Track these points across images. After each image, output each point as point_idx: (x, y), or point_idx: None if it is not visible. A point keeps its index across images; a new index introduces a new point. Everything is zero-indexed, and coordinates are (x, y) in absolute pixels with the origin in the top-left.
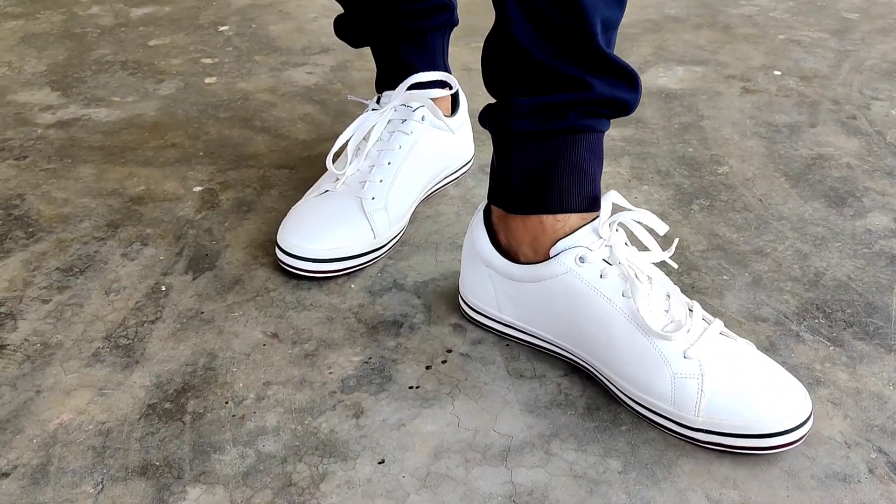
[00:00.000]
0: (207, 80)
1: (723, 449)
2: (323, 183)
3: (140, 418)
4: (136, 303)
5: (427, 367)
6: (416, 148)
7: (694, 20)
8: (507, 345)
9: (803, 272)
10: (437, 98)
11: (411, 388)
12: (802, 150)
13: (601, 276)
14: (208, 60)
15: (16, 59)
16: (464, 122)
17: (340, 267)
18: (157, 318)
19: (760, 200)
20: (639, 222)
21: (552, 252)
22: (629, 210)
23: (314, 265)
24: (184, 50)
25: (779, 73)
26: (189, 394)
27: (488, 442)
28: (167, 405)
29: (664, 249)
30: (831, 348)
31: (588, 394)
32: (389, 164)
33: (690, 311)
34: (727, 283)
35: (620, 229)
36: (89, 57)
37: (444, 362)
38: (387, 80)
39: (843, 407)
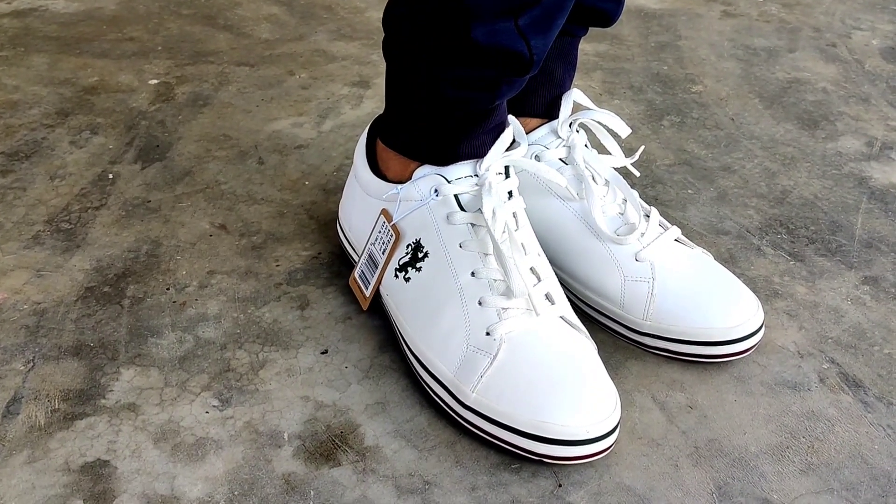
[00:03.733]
0: None
1: (669, 355)
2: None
3: (77, 300)
4: (82, 189)
5: None
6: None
7: None
8: None
9: (770, 189)
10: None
11: None
12: (779, 73)
13: None
14: None
15: None
16: None
17: None
18: (101, 205)
19: (732, 119)
20: (600, 123)
21: None
22: (591, 110)
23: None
24: None
25: None
26: (129, 279)
27: None
28: (106, 289)
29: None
30: (791, 263)
31: None
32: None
33: (647, 216)
34: (691, 197)
35: (581, 131)
36: None
37: None
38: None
39: (799, 319)
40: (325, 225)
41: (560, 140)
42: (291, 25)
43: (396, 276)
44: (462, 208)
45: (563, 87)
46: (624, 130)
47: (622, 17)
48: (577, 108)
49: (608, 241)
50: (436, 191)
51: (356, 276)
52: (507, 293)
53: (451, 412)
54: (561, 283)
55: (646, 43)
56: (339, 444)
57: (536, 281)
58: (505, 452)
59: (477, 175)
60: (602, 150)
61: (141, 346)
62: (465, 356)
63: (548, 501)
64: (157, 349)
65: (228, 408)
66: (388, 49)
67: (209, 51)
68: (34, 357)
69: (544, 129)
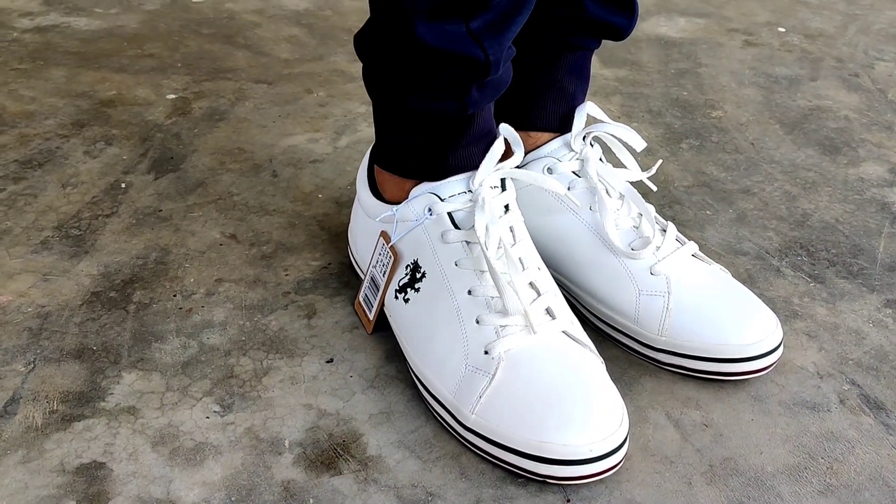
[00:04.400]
0: (195, 0)
1: (685, 372)
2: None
3: (82, 304)
4: (93, 197)
5: None
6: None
7: None
8: None
9: (790, 212)
10: None
11: None
12: (800, 100)
13: (569, 189)
14: None
15: None
16: None
17: None
18: (112, 213)
19: (752, 144)
20: (615, 137)
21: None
22: (605, 123)
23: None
24: None
25: (783, 29)
26: (136, 285)
27: None
28: (112, 294)
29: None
30: (812, 284)
31: None
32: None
33: (663, 231)
34: (709, 218)
35: (596, 145)
36: None
37: None
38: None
39: (819, 340)
40: (337, 236)
41: (573, 153)
42: (311, 46)
43: (396, 297)
44: (456, 226)
45: (576, 100)
46: (639, 144)
47: (641, 44)
48: (592, 122)
49: (622, 256)
50: (430, 210)
51: (360, 299)
52: (505, 311)
53: (452, 432)
54: (573, 298)
55: (665, 69)
56: (341, 452)
57: (535, 296)
58: (511, 472)
59: (471, 191)
60: (618, 165)
61: (144, 350)
62: (463, 376)
63: None
64: (161, 354)
65: (230, 413)
66: (365, 74)
67: (227, 68)
68: (35, 359)
69: (557, 143)
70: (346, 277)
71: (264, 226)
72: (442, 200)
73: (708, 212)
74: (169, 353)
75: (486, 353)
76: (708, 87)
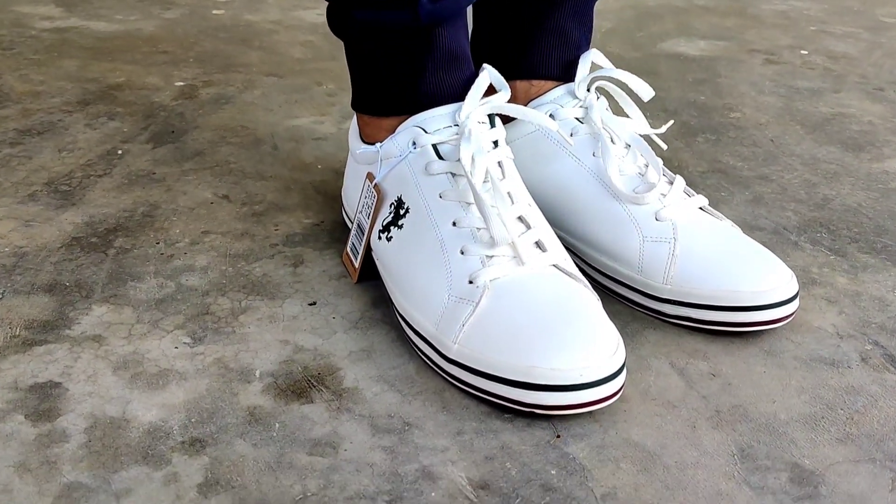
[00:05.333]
0: (215, 11)
1: (691, 324)
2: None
3: (61, 247)
4: (88, 161)
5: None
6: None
7: (723, 9)
8: None
9: (809, 196)
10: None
11: None
12: (823, 108)
13: (571, 135)
14: None
15: None
16: None
17: None
18: (105, 174)
19: (772, 141)
20: (621, 88)
21: None
22: (610, 69)
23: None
24: None
25: (805, 52)
26: (119, 233)
27: None
28: (93, 240)
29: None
30: (832, 257)
31: None
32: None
33: (670, 183)
34: (724, 199)
35: (602, 98)
36: None
37: None
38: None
39: (839, 305)
40: (333, 199)
41: (577, 101)
42: (326, 49)
43: (380, 237)
44: (441, 159)
45: (580, 48)
46: (647, 92)
47: (659, 58)
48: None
49: (626, 201)
50: (414, 143)
51: (347, 249)
52: (492, 242)
53: (435, 367)
54: (574, 254)
55: (683, 78)
56: (315, 384)
57: (525, 229)
58: (497, 406)
59: (457, 125)
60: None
61: (118, 287)
62: (446, 307)
63: (543, 451)
64: (135, 292)
65: (200, 345)
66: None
67: (240, 63)
68: (4, 291)
69: (560, 90)
70: (338, 234)
71: (259, 189)
72: (427, 133)
73: (723, 193)
74: (144, 290)
75: (470, 282)
76: (727, 93)
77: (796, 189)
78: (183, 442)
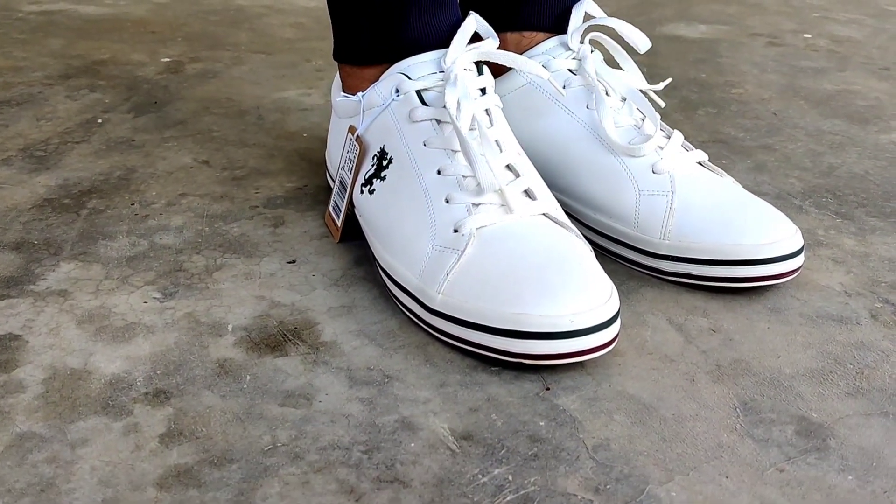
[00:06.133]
0: None
1: (691, 281)
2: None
3: (32, 208)
4: (67, 128)
5: None
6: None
7: None
8: None
9: (815, 164)
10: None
11: None
12: (827, 85)
13: (564, 87)
14: None
15: None
16: None
17: None
18: (83, 141)
19: (775, 114)
20: (616, 39)
21: None
22: (605, 17)
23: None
24: None
25: (809, 35)
26: (94, 195)
27: None
28: (66, 201)
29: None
30: (838, 220)
31: None
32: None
33: (668, 137)
34: (726, 167)
35: (596, 51)
36: None
37: None
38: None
39: (847, 265)
40: (318, 165)
41: (570, 52)
42: (316, 30)
43: (362, 191)
44: (426, 105)
45: None
46: (644, 43)
47: (659, 41)
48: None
49: (621, 154)
50: (397, 90)
51: (329, 209)
52: (478, 190)
53: (418, 321)
54: (566, 211)
55: (683, 58)
56: (291, 337)
57: (514, 178)
58: (483, 359)
59: (443, 71)
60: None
61: (89, 245)
62: (430, 257)
63: (531, 403)
64: (106, 250)
65: (171, 300)
66: None
67: (229, 42)
68: None
69: (553, 42)
70: (322, 196)
71: (241, 155)
72: (410, 79)
73: (724, 161)
74: (115, 248)
75: (455, 231)
76: (728, 72)
77: (800, 158)
78: (146, 393)
